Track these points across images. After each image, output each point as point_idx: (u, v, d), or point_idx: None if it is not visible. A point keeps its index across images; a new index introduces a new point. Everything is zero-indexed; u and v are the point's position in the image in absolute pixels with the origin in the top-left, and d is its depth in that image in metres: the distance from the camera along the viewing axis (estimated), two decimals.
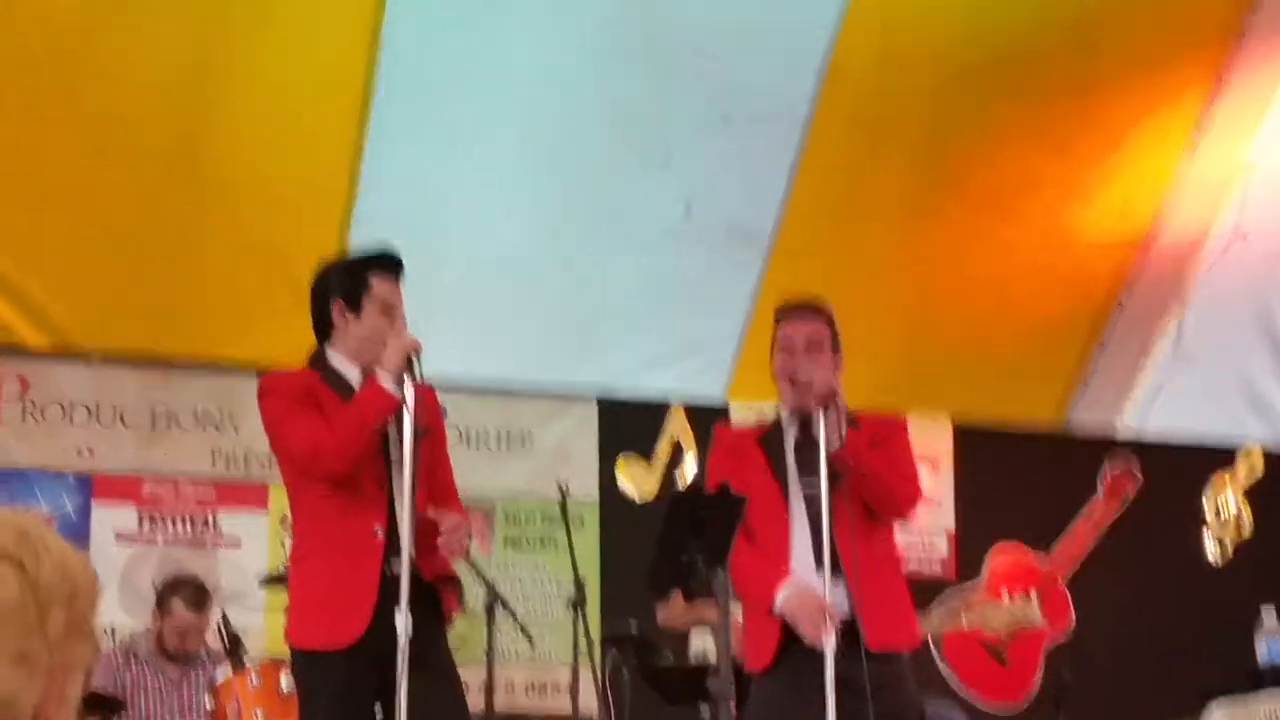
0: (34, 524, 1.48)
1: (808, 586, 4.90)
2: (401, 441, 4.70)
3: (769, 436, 5.22)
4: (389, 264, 5.00)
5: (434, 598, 4.86)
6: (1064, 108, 8.10)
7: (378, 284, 4.94)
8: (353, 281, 4.97)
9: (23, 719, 1.38)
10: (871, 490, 5.02)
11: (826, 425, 4.87)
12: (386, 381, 4.70)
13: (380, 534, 4.72)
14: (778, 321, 5.28)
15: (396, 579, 4.59)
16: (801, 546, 5.04)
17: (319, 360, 5.00)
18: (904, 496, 5.19)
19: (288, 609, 5.02)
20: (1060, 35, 7.85)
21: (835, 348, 5.22)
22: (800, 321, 5.22)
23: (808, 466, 5.07)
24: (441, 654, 4.93)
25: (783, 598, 4.90)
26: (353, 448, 4.71)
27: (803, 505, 5.07)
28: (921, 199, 8.28)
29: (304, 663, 4.83)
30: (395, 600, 4.56)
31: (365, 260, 5.06)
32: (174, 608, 6.52)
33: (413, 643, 4.56)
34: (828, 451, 4.86)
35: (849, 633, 4.77)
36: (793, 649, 4.91)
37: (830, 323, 5.25)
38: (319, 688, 4.77)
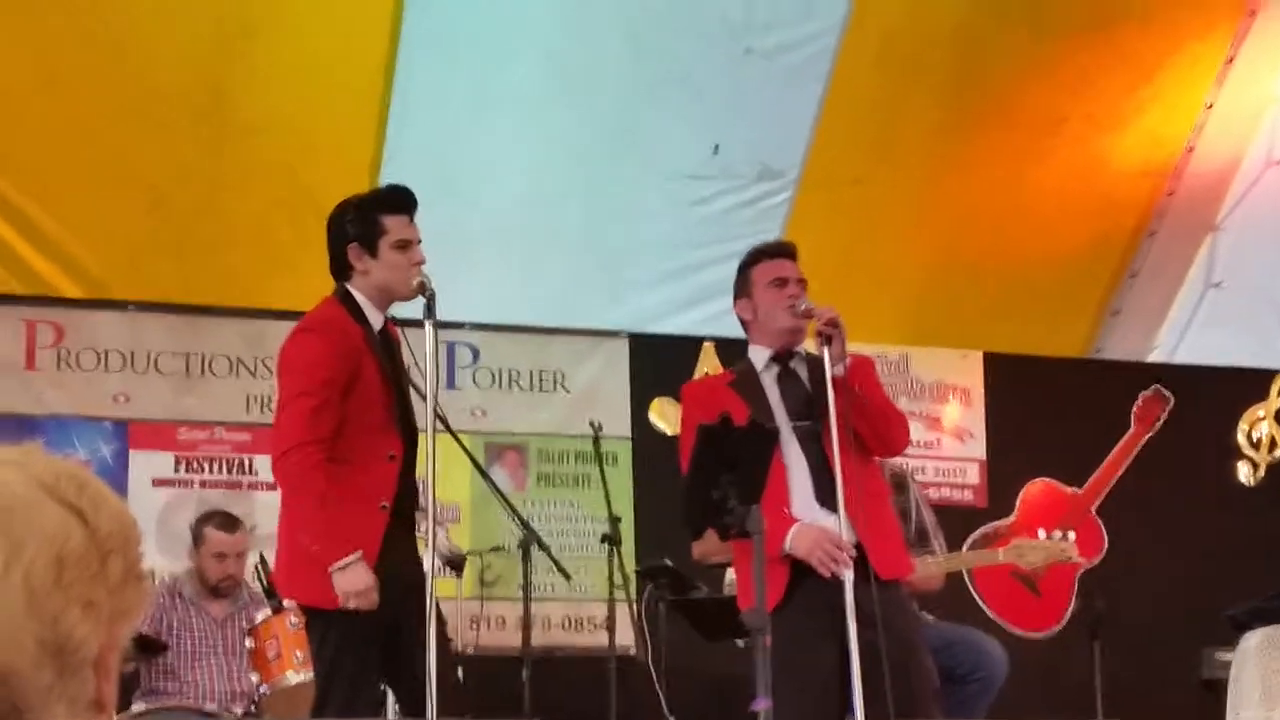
0: (86, 472, 1.50)
1: (816, 524, 4.90)
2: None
3: (740, 381, 5.18)
4: (399, 201, 5.05)
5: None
6: (1093, 41, 8.06)
7: (390, 222, 4.99)
8: (365, 224, 5.02)
9: (88, 665, 1.42)
10: (872, 418, 5.00)
11: (831, 353, 4.88)
12: (338, 588, 4.68)
13: (386, 508, 4.80)
14: (754, 263, 5.25)
15: (395, 538, 4.79)
16: (801, 486, 4.99)
17: (347, 298, 5.03)
18: (900, 425, 5.18)
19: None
20: None
21: None
22: (787, 259, 5.24)
23: (795, 405, 5.09)
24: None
25: (792, 538, 4.86)
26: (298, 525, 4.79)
27: (797, 444, 5.02)
28: (949, 132, 8.26)
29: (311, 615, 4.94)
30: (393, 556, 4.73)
31: (376, 200, 5.12)
32: (207, 535, 6.57)
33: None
34: (832, 378, 4.85)
35: (856, 563, 4.77)
36: (800, 585, 4.88)
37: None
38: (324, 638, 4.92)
